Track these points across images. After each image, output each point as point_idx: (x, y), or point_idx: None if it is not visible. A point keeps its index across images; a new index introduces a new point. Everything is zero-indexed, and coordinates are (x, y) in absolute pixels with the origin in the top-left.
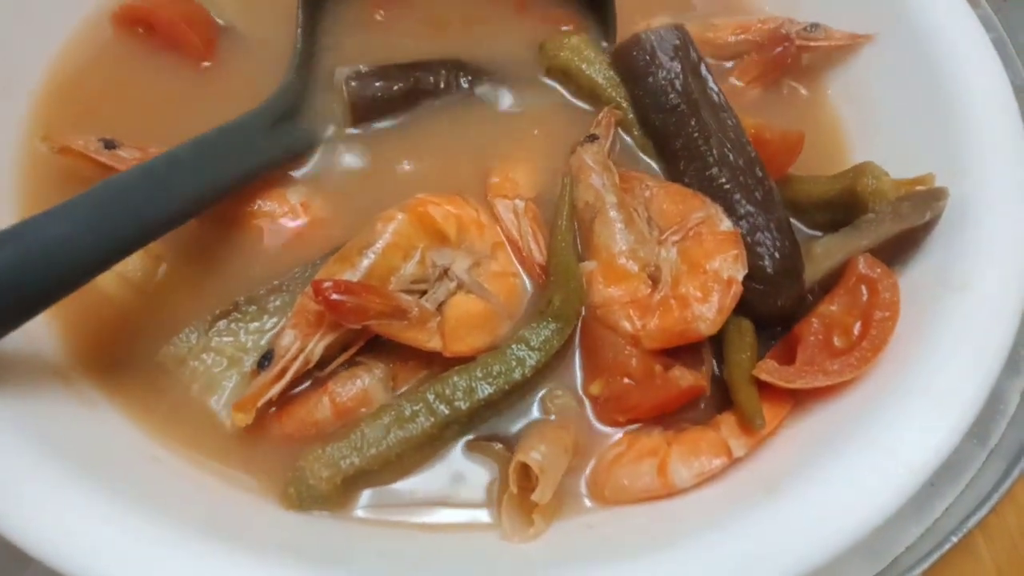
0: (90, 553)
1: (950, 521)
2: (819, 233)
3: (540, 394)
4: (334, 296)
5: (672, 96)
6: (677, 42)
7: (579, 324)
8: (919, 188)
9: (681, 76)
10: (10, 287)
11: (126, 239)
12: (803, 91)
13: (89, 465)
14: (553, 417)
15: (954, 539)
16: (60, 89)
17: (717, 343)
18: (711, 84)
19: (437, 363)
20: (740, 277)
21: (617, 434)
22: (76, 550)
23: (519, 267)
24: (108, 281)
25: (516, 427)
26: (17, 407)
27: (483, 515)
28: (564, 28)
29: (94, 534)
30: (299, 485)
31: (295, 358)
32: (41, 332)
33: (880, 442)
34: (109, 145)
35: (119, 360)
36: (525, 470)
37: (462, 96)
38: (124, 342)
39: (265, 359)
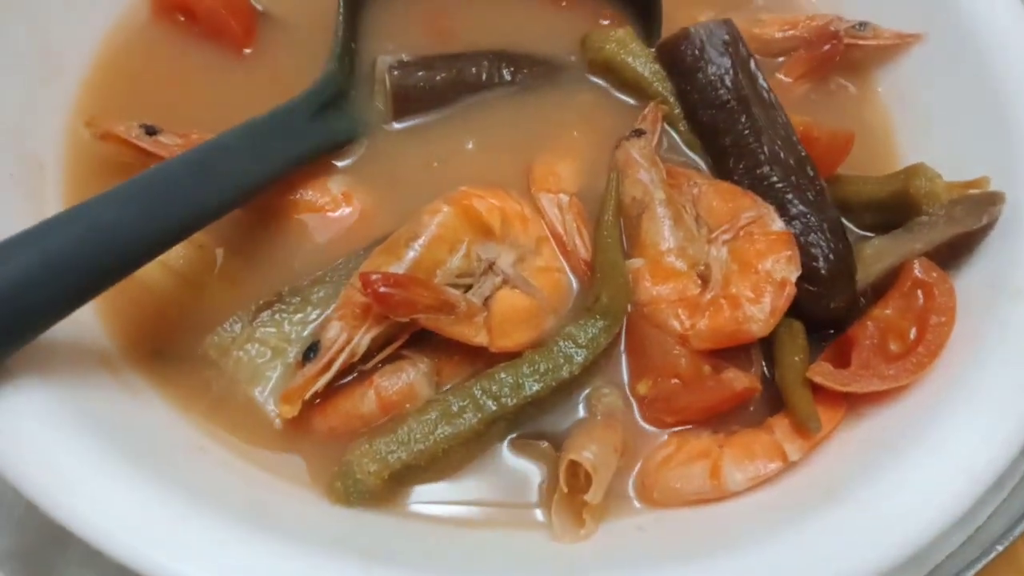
0: (136, 536)
1: (993, 530)
2: (868, 234)
3: (586, 392)
4: (382, 289)
5: (722, 92)
6: (727, 37)
7: (625, 322)
8: (973, 191)
9: (731, 72)
10: (66, 271)
11: (177, 226)
12: (852, 88)
13: (135, 452)
14: (599, 416)
15: (999, 548)
16: (102, 77)
17: (766, 345)
18: (761, 81)
19: (482, 359)
20: (794, 278)
21: (663, 435)
22: (121, 532)
23: (564, 262)
24: (152, 270)
25: (562, 425)
26: (65, 393)
27: (531, 515)
28: (603, 22)
29: (140, 517)
30: (346, 479)
31: (341, 350)
32: (86, 320)
33: (940, 448)
34: (151, 131)
35: (163, 350)
36: (574, 469)
37: (504, 88)
38: (168, 331)
39: (311, 351)
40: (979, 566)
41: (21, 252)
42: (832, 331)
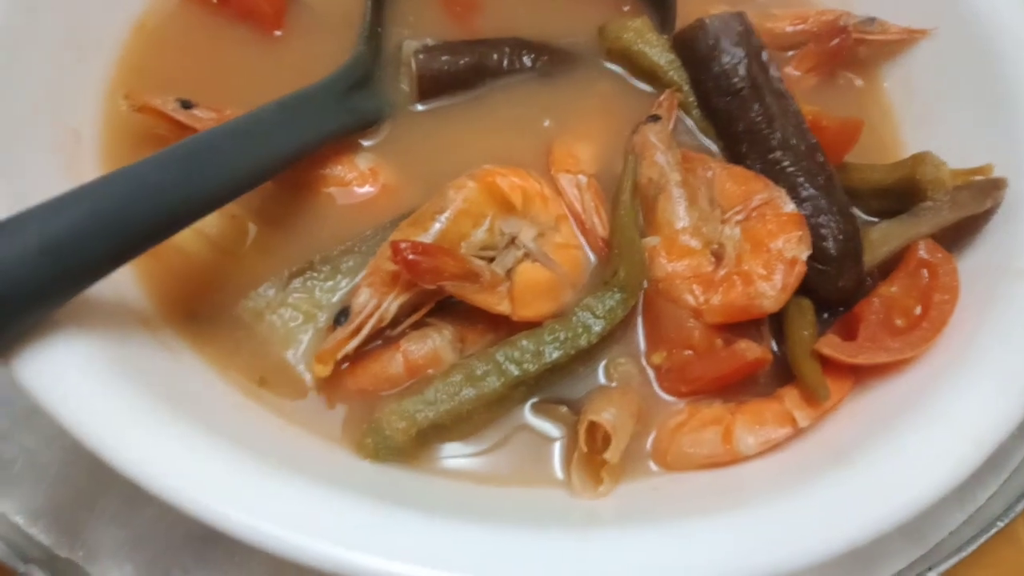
0: (182, 478)
1: (992, 509)
2: (875, 219)
3: (603, 362)
4: (412, 256)
5: (736, 80)
6: (740, 28)
7: (642, 296)
8: (978, 178)
9: (745, 61)
10: (113, 227)
11: (216, 191)
12: (858, 82)
13: (176, 403)
14: (615, 384)
15: (1000, 524)
16: (135, 56)
17: (775, 321)
18: (773, 70)
19: (503, 328)
20: (804, 257)
21: (677, 404)
22: (168, 474)
23: (582, 239)
24: (187, 237)
25: (580, 392)
26: (110, 346)
27: (551, 474)
28: (625, 8)
29: (185, 461)
30: (376, 435)
31: (371, 316)
32: (125, 281)
33: (943, 416)
34: (186, 105)
35: (198, 313)
36: (593, 430)
37: (525, 74)
38: (203, 296)
39: (342, 315)
40: (979, 542)
41: (73, 207)
42: (828, 314)
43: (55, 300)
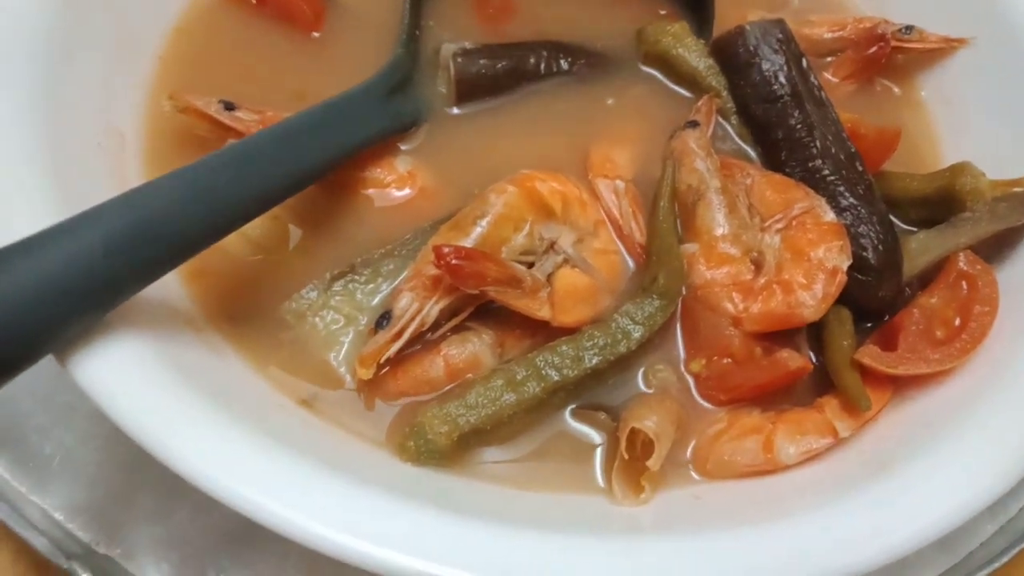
0: (232, 476)
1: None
2: (913, 229)
3: (642, 368)
4: (454, 261)
5: (776, 87)
6: (780, 35)
7: (680, 304)
8: (1017, 189)
9: (785, 68)
10: (167, 231)
11: (264, 194)
12: (896, 90)
13: (224, 402)
14: (653, 391)
15: None
16: (175, 56)
17: (812, 330)
18: (812, 78)
19: (541, 333)
20: (845, 267)
21: (716, 412)
22: (219, 472)
23: (620, 245)
24: (229, 238)
25: (619, 399)
26: (159, 347)
27: (591, 480)
28: (662, 12)
29: (235, 459)
30: (418, 439)
31: (412, 319)
32: (170, 282)
33: (984, 428)
34: (229, 107)
35: (242, 314)
36: (634, 438)
37: (562, 78)
38: (246, 297)
39: (384, 319)
40: (1011, 554)
41: (132, 209)
42: (870, 324)
43: (113, 302)
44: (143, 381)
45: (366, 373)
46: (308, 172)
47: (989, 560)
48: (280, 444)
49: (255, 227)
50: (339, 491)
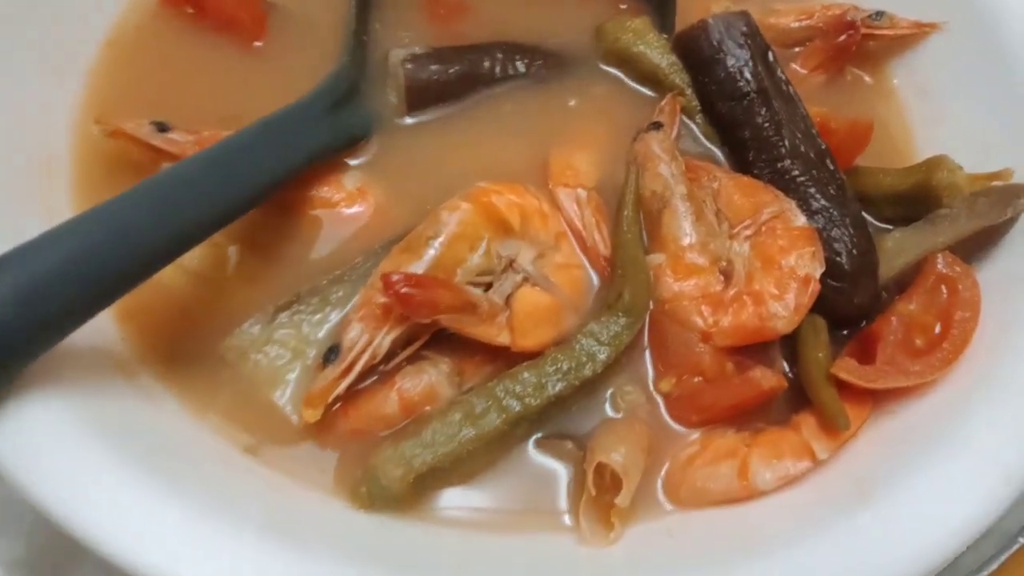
0: (152, 549)
1: (1012, 524)
2: (887, 226)
3: (610, 390)
4: (404, 289)
5: (741, 84)
6: (745, 29)
7: (647, 319)
8: (996, 184)
9: (750, 64)
10: (86, 276)
11: (196, 228)
12: (867, 79)
13: (152, 460)
14: (622, 414)
15: (1021, 540)
16: (109, 72)
17: (787, 340)
18: (779, 73)
19: (502, 358)
20: (818, 274)
21: (688, 434)
22: (136, 545)
23: (583, 258)
24: (166, 270)
25: (586, 426)
26: (81, 402)
27: (557, 518)
28: (622, 7)
29: (156, 529)
30: (371, 484)
31: (362, 352)
32: (101, 323)
33: (970, 445)
34: (162, 128)
35: (180, 353)
36: (601, 470)
37: (518, 80)
38: (184, 334)
39: (332, 353)
40: (1000, 560)
41: (46, 252)
42: (846, 331)
43: (30, 354)
44: (59, 451)
45: (313, 415)
46: (247, 197)
47: (980, 566)
48: (214, 505)
49: (192, 257)
50: (276, 559)
